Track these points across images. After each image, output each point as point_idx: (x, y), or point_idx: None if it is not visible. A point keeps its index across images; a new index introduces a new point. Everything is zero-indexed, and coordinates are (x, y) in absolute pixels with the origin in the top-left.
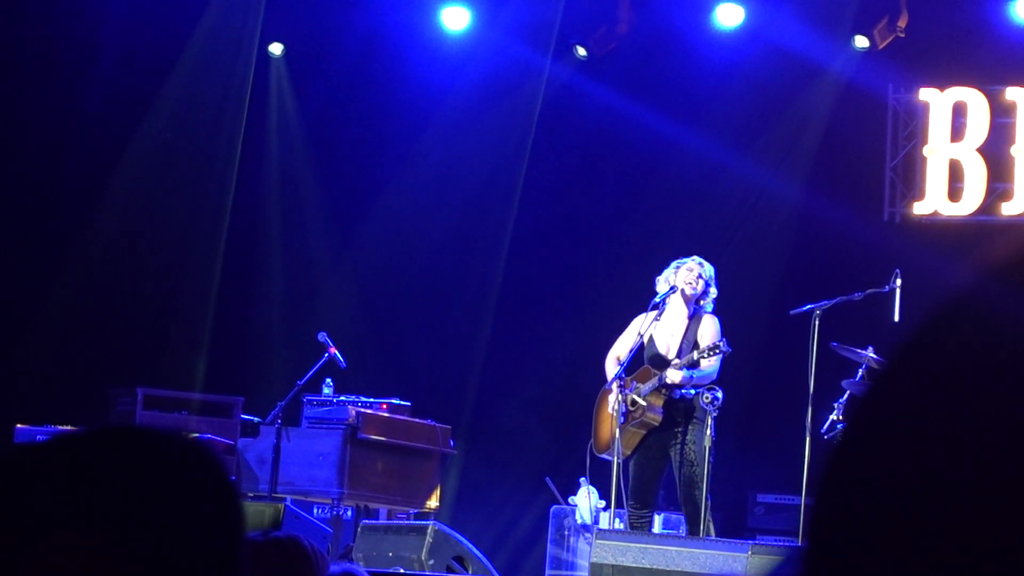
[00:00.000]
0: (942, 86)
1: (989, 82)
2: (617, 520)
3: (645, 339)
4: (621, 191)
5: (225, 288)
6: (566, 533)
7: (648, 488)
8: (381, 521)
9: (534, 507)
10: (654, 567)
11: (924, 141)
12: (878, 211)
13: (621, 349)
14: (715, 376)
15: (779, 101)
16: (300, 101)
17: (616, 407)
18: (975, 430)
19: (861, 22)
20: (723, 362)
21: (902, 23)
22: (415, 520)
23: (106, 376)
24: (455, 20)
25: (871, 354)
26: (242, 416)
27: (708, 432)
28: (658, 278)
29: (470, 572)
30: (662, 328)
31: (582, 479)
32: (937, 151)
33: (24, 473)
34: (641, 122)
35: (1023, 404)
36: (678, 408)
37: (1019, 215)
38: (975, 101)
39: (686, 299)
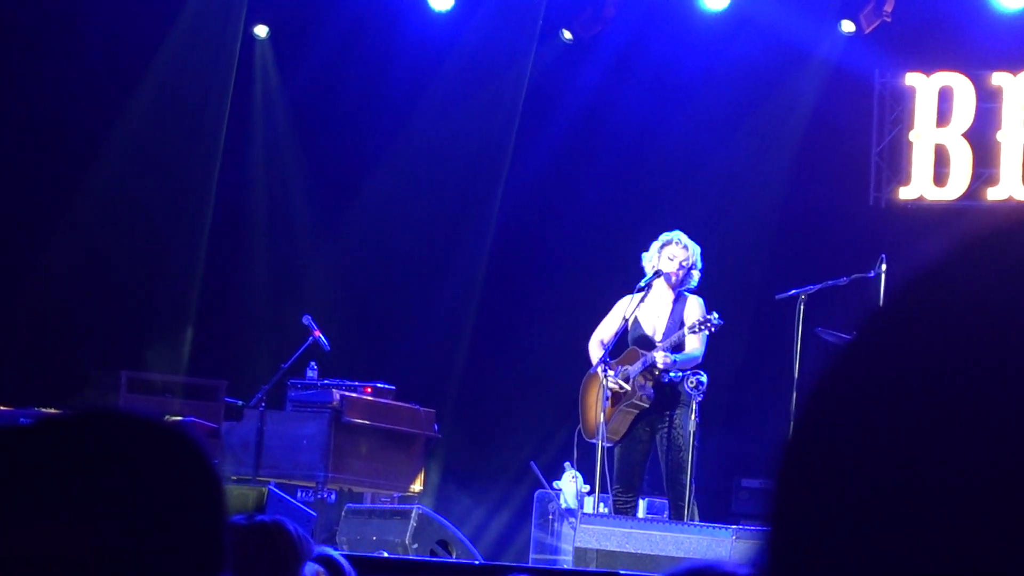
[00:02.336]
0: (928, 71)
1: (975, 67)
2: (602, 505)
3: (630, 321)
4: (607, 175)
5: (209, 271)
6: (550, 517)
7: (634, 472)
8: (365, 505)
9: (518, 491)
10: (638, 552)
11: (910, 126)
12: (864, 196)
13: (605, 332)
14: (700, 359)
15: (765, 85)
16: (285, 83)
17: (600, 391)
18: (942, 403)
19: (847, 6)
20: (708, 345)
21: (888, 8)
22: (399, 504)
23: (90, 359)
24: (441, 1)
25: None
26: (226, 399)
27: (693, 417)
28: (644, 255)
29: (454, 556)
30: (647, 309)
31: (566, 463)
32: (923, 136)
33: (5, 456)
34: (627, 106)
35: (990, 377)
36: (665, 392)
37: (1004, 200)
38: (961, 86)
39: (669, 281)
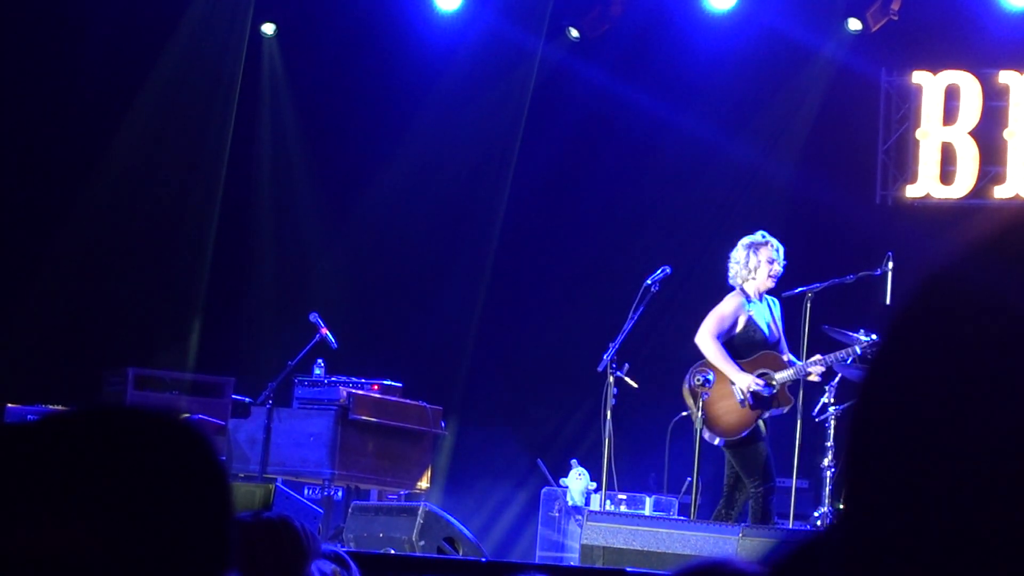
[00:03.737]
0: (935, 69)
1: (982, 65)
2: (608, 502)
3: (743, 321)
4: (613, 173)
5: (217, 268)
6: (557, 515)
7: (769, 463)
8: (372, 502)
9: (525, 489)
10: (645, 549)
11: (916, 124)
12: (870, 194)
13: (722, 327)
14: None
15: (772, 83)
16: (292, 81)
17: (729, 389)
18: (973, 401)
19: (854, 4)
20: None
21: (895, 6)
22: (406, 501)
23: (97, 356)
24: (448, 2)
25: (862, 336)
26: (233, 396)
27: (699, 414)
28: (733, 254)
29: (461, 553)
30: (756, 311)
31: (573, 461)
32: (930, 134)
33: (13, 453)
34: (633, 104)
35: (1014, 375)
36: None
37: (1011, 198)
38: (968, 84)
39: (769, 283)
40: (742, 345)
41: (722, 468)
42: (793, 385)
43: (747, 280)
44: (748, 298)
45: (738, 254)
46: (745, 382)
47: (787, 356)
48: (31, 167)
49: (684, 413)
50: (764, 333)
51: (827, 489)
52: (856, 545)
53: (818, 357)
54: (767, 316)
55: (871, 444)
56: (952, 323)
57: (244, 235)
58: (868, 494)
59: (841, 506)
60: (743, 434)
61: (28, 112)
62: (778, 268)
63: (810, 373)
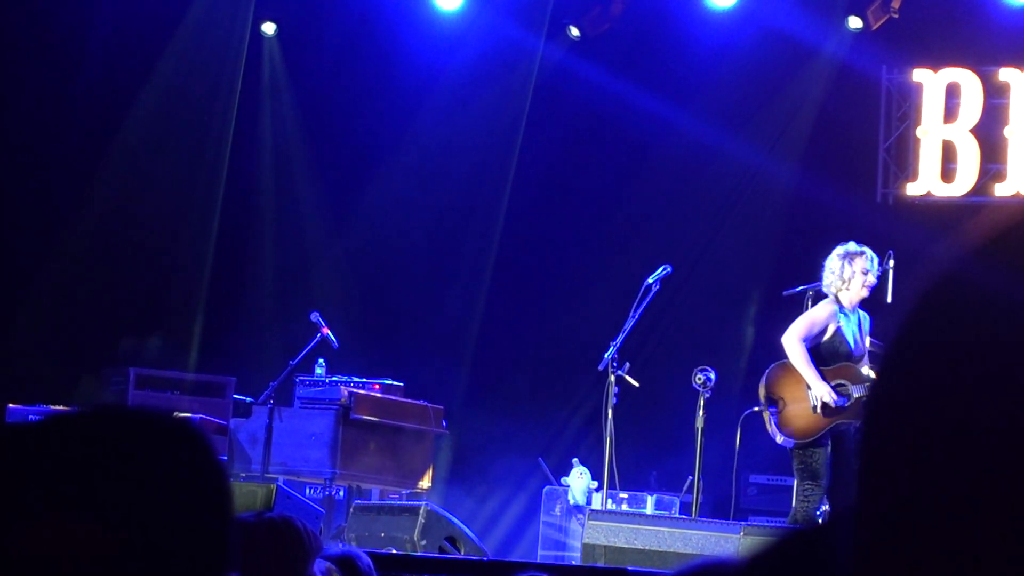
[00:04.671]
0: (935, 67)
1: (982, 63)
2: (610, 501)
3: (830, 330)
4: (614, 172)
5: (218, 268)
6: (559, 514)
7: (825, 470)
8: (373, 501)
9: (526, 488)
10: (646, 548)
11: (917, 122)
12: (871, 192)
13: (811, 332)
14: None
15: (772, 82)
16: (293, 81)
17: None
18: (978, 416)
19: (855, 2)
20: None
21: (896, 4)
22: (407, 500)
23: (98, 356)
24: (448, 1)
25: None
26: (234, 396)
27: (700, 413)
28: (827, 263)
29: (463, 552)
30: (847, 322)
31: (574, 460)
32: (930, 132)
33: (15, 454)
34: (634, 103)
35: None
36: None
37: (1012, 196)
38: (968, 82)
39: (863, 293)
40: (827, 354)
41: (722, 466)
42: None
43: (841, 290)
44: (841, 308)
45: (832, 263)
46: (822, 391)
47: (868, 371)
48: (32, 168)
49: (756, 408)
50: (849, 346)
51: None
52: (866, 545)
53: None
54: (855, 329)
55: (882, 448)
56: (957, 326)
57: (245, 235)
58: (878, 496)
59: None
60: (809, 439)
61: (28, 114)
62: (872, 279)
63: None
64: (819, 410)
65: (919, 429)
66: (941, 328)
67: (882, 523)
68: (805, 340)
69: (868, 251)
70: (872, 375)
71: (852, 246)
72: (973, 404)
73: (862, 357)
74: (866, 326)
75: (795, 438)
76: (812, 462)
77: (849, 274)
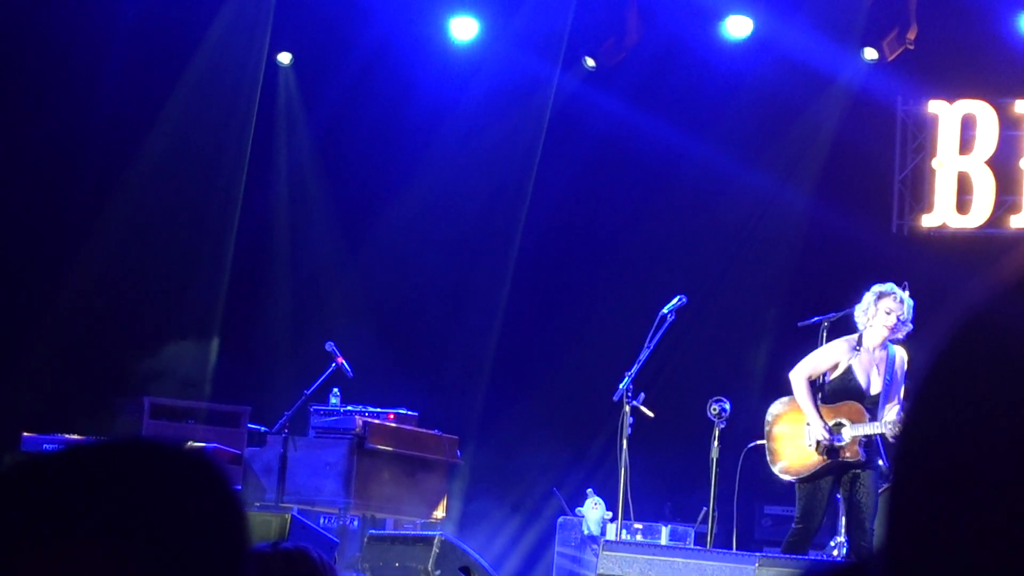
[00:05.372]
0: (951, 98)
1: (998, 95)
2: (624, 531)
3: (841, 368)
4: (630, 202)
5: (233, 297)
6: (573, 544)
7: (818, 510)
8: (388, 531)
9: (541, 518)
10: None
11: (933, 153)
12: (886, 223)
13: (815, 370)
14: None
15: (788, 112)
16: (309, 110)
17: (802, 429)
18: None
19: (870, 34)
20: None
21: (911, 35)
22: (422, 530)
23: (113, 385)
24: (464, 30)
25: None
26: (249, 425)
27: (715, 444)
28: (857, 307)
29: None
30: (861, 359)
31: (589, 490)
32: (946, 163)
33: (33, 483)
34: (650, 133)
35: None
36: (867, 441)
37: None
38: (984, 113)
39: (888, 334)
40: (835, 391)
41: (737, 496)
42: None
43: (866, 327)
44: (858, 345)
45: (865, 299)
46: (816, 428)
47: (890, 409)
48: (47, 197)
49: (760, 441)
50: (860, 384)
51: (842, 520)
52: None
53: (894, 418)
54: (876, 368)
55: (914, 482)
56: (989, 361)
57: (260, 264)
58: (911, 530)
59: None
60: (803, 475)
61: (46, 140)
62: (893, 320)
63: (883, 434)
64: (814, 447)
65: (950, 464)
66: (971, 366)
67: (914, 565)
68: (811, 377)
69: (900, 293)
70: (888, 416)
71: (888, 286)
72: (1004, 440)
73: (879, 396)
74: (900, 364)
75: (788, 473)
76: (805, 499)
77: (873, 312)
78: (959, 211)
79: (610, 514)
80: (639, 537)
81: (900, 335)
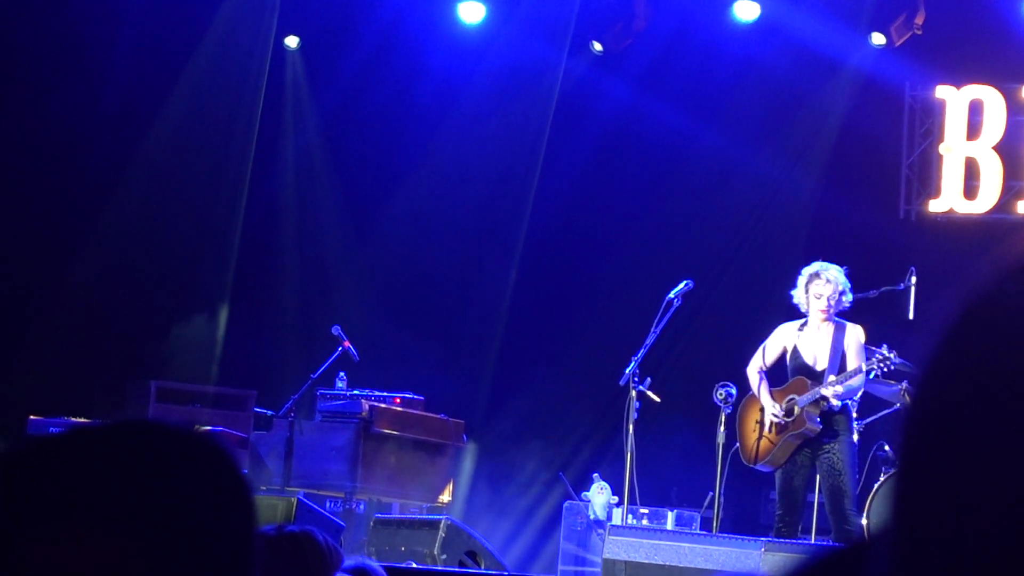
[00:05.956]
0: (959, 84)
1: (1006, 80)
2: (630, 516)
3: (789, 350)
4: (637, 187)
5: (239, 281)
6: (579, 529)
7: (797, 496)
8: (394, 515)
9: (547, 502)
10: (666, 563)
11: (940, 139)
12: (894, 208)
13: (765, 359)
14: (863, 386)
15: (796, 97)
16: (316, 94)
17: (760, 417)
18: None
19: (878, 19)
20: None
21: (919, 20)
22: (428, 514)
23: (119, 369)
24: (471, 14)
25: (885, 352)
26: (255, 409)
27: (721, 429)
28: (793, 291)
29: (482, 567)
30: (806, 339)
31: (595, 475)
32: (953, 149)
33: (37, 466)
34: (657, 118)
35: None
36: (827, 419)
37: None
38: (992, 99)
39: (821, 316)
40: (790, 372)
41: (742, 482)
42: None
43: (805, 310)
44: (803, 325)
45: (797, 284)
46: (769, 412)
47: (831, 380)
48: (54, 183)
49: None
50: (806, 361)
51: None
52: (905, 560)
53: (832, 378)
54: (820, 344)
55: (921, 465)
56: (994, 344)
57: (267, 248)
58: (918, 514)
59: (888, 522)
60: (774, 462)
61: (53, 125)
62: (824, 303)
63: (825, 396)
64: (770, 430)
65: (959, 448)
66: (979, 347)
67: (923, 547)
68: (762, 367)
69: (826, 273)
70: (822, 390)
71: (814, 268)
72: (1012, 422)
73: (825, 372)
74: (850, 339)
75: (749, 462)
76: (779, 485)
77: (804, 298)
78: (967, 196)
79: (616, 499)
80: (645, 522)
81: (844, 305)
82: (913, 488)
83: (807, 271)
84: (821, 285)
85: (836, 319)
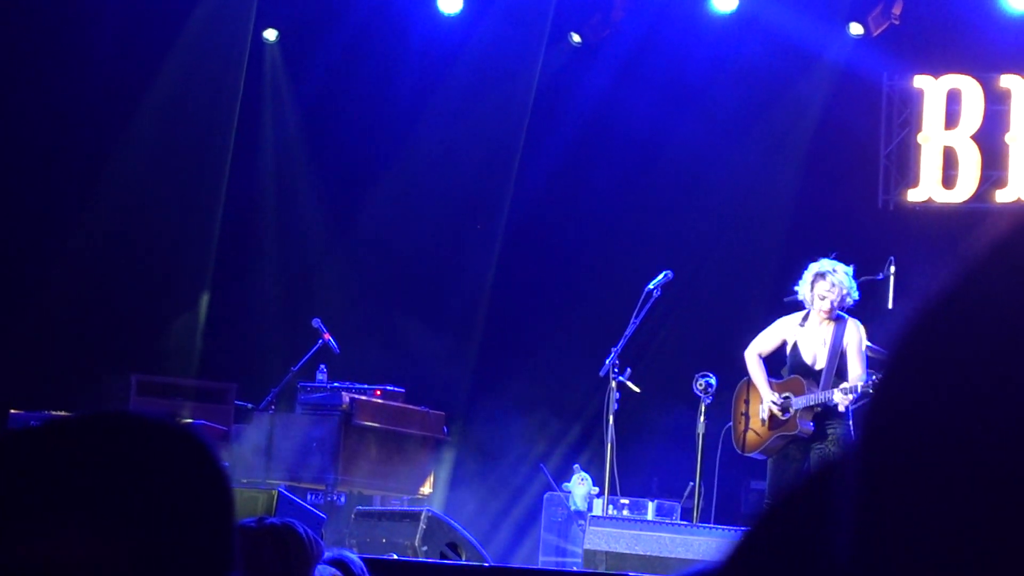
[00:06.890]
0: (936, 73)
1: (983, 69)
2: (611, 507)
3: (789, 345)
4: (616, 177)
5: (219, 274)
6: (560, 520)
7: (778, 485)
8: (375, 507)
9: (528, 493)
10: (647, 554)
11: (918, 128)
12: (872, 198)
13: (764, 347)
14: None
15: (774, 88)
16: (295, 87)
17: (755, 405)
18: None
19: (856, 9)
20: (718, 346)
21: (896, 10)
22: (409, 506)
23: (100, 362)
24: (450, 4)
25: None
26: (236, 402)
27: (701, 419)
28: (797, 287)
29: (464, 558)
30: (807, 336)
31: (575, 465)
32: (931, 138)
33: (15, 458)
34: (636, 108)
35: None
36: (819, 420)
37: (1013, 202)
38: (969, 88)
39: (824, 315)
40: (789, 367)
41: (724, 472)
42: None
43: (808, 307)
44: (804, 320)
45: (803, 279)
46: (766, 401)
47: (844, 387)
48: (34, 174)
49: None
50: (804, 359)
51: None
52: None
53: (845, 385)
54: (820, 342)
55: (881, 461)
56: (959, 336)
57: (247, 241)
58: (878, 518)
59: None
60: (767, 451)
61: (31, 117)
62: (828, 305)
63: (833, 401)
64: (766, 423)
65: (922, 433)
66: (945, 334)
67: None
68: (761, 353)
69: (832, 275)
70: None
71: (820, 266)
72: (977, 410)
73: (823, 371)
74: (851, 336)
75: (742, 450)
76: (770, 475)
77: (809, 296)
78: (945, 186)
79: (596, 489)
80: (625, 512)
81: (848, 303)
82: (872, 490)
83: (813, 268)
84: (826, 288)
85: (838, 313)
